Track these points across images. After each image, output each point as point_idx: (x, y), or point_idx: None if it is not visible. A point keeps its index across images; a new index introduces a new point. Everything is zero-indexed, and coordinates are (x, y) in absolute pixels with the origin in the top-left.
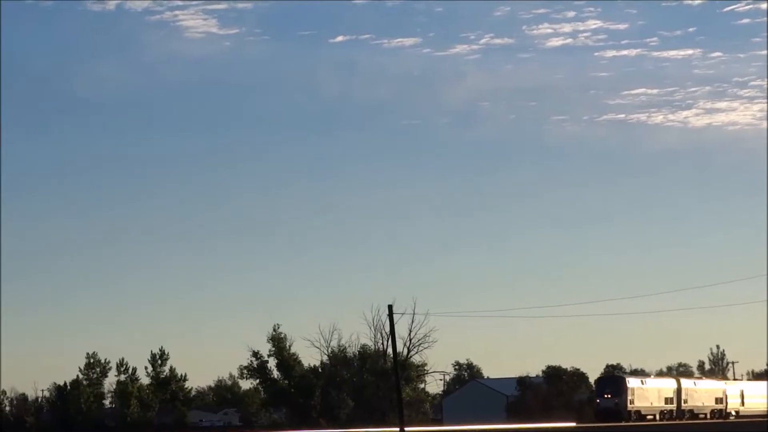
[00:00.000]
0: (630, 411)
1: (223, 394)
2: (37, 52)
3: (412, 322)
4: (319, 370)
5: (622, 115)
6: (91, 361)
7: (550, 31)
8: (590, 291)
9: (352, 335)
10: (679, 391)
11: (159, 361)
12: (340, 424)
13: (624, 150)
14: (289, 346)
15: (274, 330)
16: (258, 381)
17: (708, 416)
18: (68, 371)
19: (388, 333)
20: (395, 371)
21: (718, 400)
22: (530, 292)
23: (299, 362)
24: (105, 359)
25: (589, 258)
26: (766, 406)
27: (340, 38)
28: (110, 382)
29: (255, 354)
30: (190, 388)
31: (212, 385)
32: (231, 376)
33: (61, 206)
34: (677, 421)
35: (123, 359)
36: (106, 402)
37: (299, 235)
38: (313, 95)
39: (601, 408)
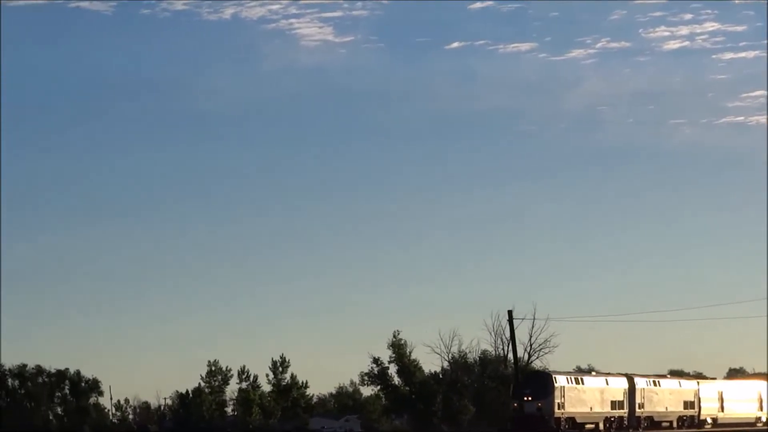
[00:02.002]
0: (560, 418)
1: (344, 400)
2: (154, 64)
3: (533, 327)
4: (440, 376)
5: (741, 118)
6: (213, 369)
7: (667, 34)
8: (716, 293)
9: (472, 341)
10: (632, 392)
11: (280, 369)
12: (462, 430)
13: (744, 153)
14: (410, 353)
15: (394, 336)
16: (379, 387)
17: (674, 425)
18: (190, 379)
19: (509, 338)
20: (515, 376)
21: (688, 404)
22: (651, 296)
23: (420, 368)
24: (226, 367)
25: (710, 261)
26: (755, 412)
27: (455, 44)
28: (232, 389)
29: (375, 360)
30: (311, 395)
31: (333, 392)
32: (352, 382)
33: (180, 216)
34: None
35: (244, 367)
36: (228, 409)
37: (418, 242)
38: (429, 102)
39: (520, 414)
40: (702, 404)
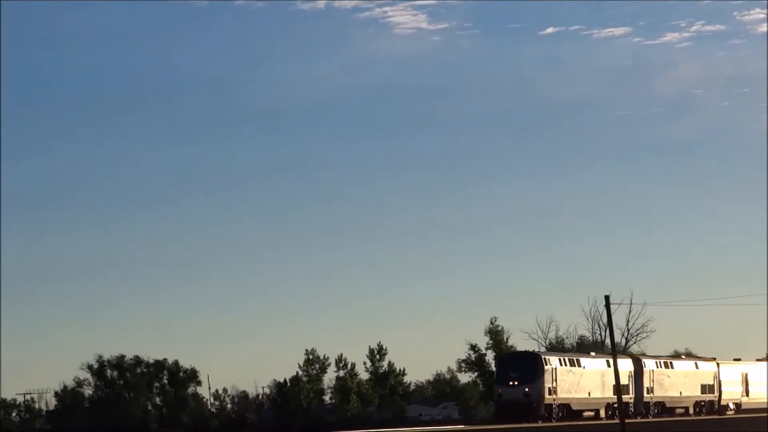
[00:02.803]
0: (552, 405)
1: (441, 387)
2: (250, 54)
3: (630, 312)
4: None
5: None
6: (310, 357)
7: (762, 16)
8: None
9: (569, 326)
10: (638, 374)
11: (377, 356)
12: None
13: None
14: (507, 339)
15: (491, 323)
16: (476, 374)
17: (690, 411)
18: (288, 368)
19: (606, 324)
20: (614, 362)
21: (707, 389)
22: (747, 280)
23: None
24: (324, 355)
25: None
26: None
27: (549, 30)
28: (329, 378)
29: (473, 347)
30: (408, 382)
31: (431, 379)
32: (449, 369)
33: (277, 206)
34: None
35: (341, 355)
36: (326, 398)
37: (515, 229)
38: (523, 89)
39: (505, 400)
40: (723, 388)
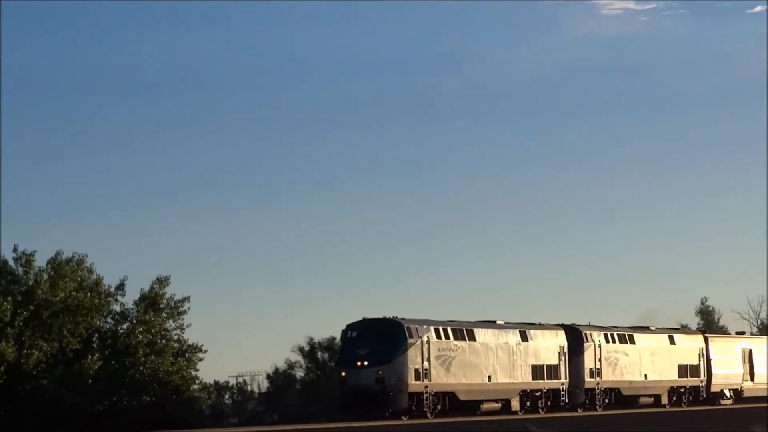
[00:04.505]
0: (422, 394)
1: None
2: (441, 37)
3: None
4: None
5: None
6: None
7: None
8: None
9: None
10: (575, 351)
11: None
12: None
13: None
14: (718, 319)
15: (702, 303)
16: None
17: (663, 401)
18: None
19: None
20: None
21: (689, 370)
22: None
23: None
24: None
25: None
26: None
27: (758, 8)
28: None
29: (683, 327)
30: None
31: None
32: None
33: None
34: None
35: None
36: None
37: (724, 207)
38: (731, 69)
39: (350, 387)
40: (714, 369)
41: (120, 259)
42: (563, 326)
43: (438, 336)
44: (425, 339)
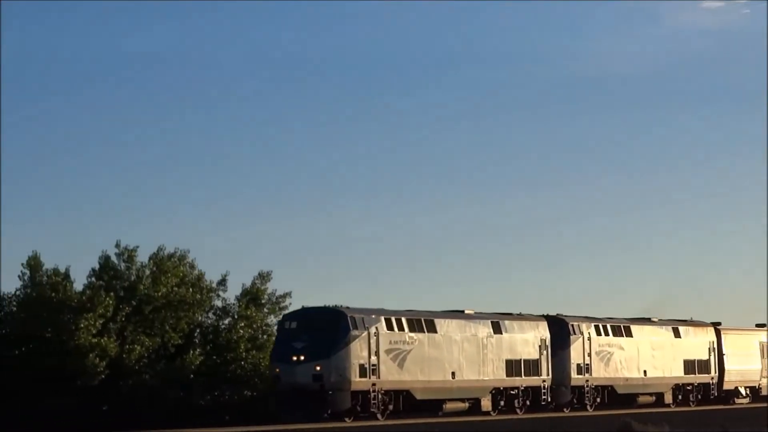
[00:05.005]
0: (369, 392)
1: None
2: (531, 28)
3: None
4: None
5: None
6: None
7: None
8: None
9: None
10: (560, 345)
11: None
12: None
13: None
14: None
15: None
16: None
17: (667, 399)
18: None
19: None
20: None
21: (697, 366)
22: None
23: None
24: None
25: None
26: None
27: None
28: None
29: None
30: None
31: None
32: None
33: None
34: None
35: None
36: None
37: None
38: None
39: (285, 386)
40: (727, 365)
41: (222, 254)
42: (546, 317)
43: (390, 327)
44: (373, 330)
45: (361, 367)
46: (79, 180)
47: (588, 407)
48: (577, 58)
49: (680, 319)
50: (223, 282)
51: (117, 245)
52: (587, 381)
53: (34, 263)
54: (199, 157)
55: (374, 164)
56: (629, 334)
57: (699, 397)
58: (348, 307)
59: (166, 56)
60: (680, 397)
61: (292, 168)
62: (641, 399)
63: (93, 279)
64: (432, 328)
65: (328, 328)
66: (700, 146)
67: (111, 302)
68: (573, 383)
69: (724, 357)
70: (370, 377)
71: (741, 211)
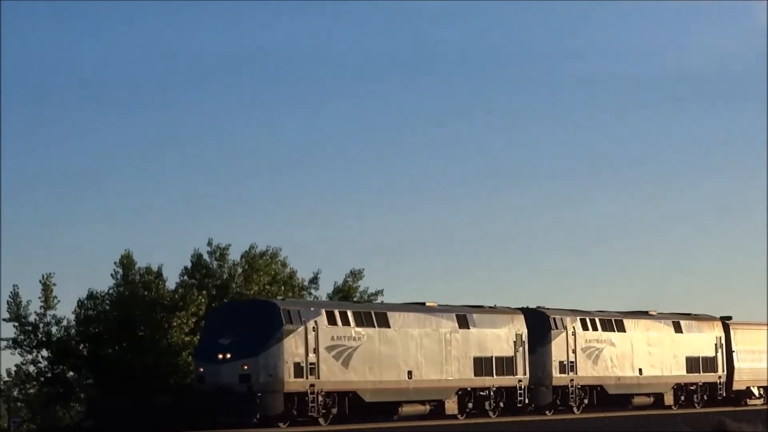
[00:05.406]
0: (309, 396)
1: None
2: (630, 24)
3: None
4: None
5: None
6: None
7: None
8: None
9: None
10: (539, 341)
11: None
12: None
13: None
14: None
15: None
16: None
17: (668, 401)
18: None
19: None
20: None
21: (701, 364)
22: None
23: None
24: None
25: None
26: None
27: None
28: None
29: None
30: None
31: None
32: None
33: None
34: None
35: None
36: None
37: None
38: None
39: (209, 388)
40: (737, 363)
41: (314, 252)
42: (523, 310)
43: (332, 321)
44: (311, 325)
45: (297, 365)
46: (171, 179)
47: (574, 409)
48: (660, 56)
49: (682, 312)
50: (315, 280)
51: (209, 243)
52: (572, 380)
53: (126, 262)
54: (291, 155)
55: (470, 163)
56: (621, 328)
57: (705, 398)
58: (283, 299)
59: (262, 56)
60: (683, 398)
61: (384, 167)
62: (637, 400)
63: (185, 277)
64: (384, 323)
65: (257, 323)
66: (719, 135)
67: (203, 300)
68: (555, 383)
69: (734, 354)
70: (307, 377)
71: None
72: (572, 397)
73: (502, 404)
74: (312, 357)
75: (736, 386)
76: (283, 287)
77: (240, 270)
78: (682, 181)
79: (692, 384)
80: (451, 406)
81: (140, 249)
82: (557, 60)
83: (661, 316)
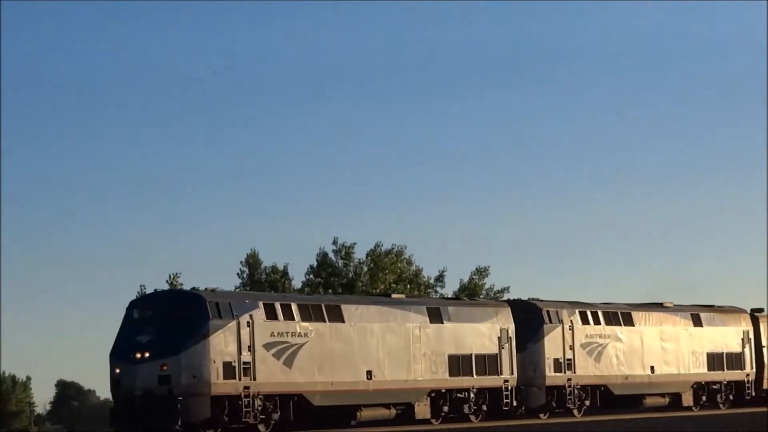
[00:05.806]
0: (243, 400)
1: None
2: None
3: None
4: None
5: None
6: None
7: None
8: None
9: None
10: (530, 336)
11: None
12: None
13: None
14: None
15: None
16: None
17: (687, 401)
18: None
19: None
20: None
21: (727, 361)
22: None
23: None
24: None
25: None
26: None
27: None
28: None
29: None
30: None
31: None
32: None
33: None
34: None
35: None
36: None
37: None
38: None
39: (125, 391)
40: None
41: (440, 250)
42: (510, 302)
43: (271, 315)
44: (246, 319)
45: (227, 365)
46: (295, 178)
47: (573, 411)
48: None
49: (703, 304)
50: (440, 278)
51: (334, 242)
52: (569, 380)
53: (252, 261)
54: (415, 154)
55: (592, 163)
56: (629, 322)
57: (731, 398)
58: (213, 290)
59: (384, 60)
60: (704, 398)
61: (509, 166)
62: (649, 401)
63: (311, 276)
64: (337, 317)
65: (179, 317)
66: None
67: None
68: (549, 383)
69: (764, 349)
70: (240, 378)
71: None
72: (570, 399)
73: (485, 407)
74: (246, 355)
75: (767, 384)
76: (409, 285)
77: (366, 268)
78: (709, 165)
79: (715, 383)
80: (422, 409)
81: (266, 248)
82: (557, 60)
83: (677, 308)
